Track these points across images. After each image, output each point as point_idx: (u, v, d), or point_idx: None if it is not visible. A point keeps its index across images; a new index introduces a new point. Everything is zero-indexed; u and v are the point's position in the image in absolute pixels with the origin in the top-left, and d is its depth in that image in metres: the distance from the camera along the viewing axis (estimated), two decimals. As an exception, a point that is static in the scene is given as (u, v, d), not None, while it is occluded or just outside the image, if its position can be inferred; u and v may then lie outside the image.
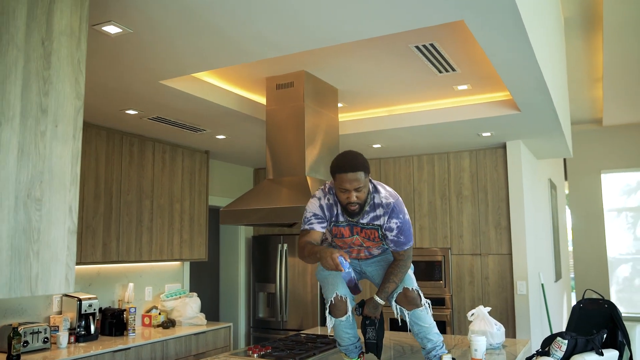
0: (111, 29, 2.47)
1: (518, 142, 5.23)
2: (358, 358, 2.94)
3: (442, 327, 5.42)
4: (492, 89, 4.12)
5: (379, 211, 2.62)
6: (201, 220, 5.34)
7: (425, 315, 2.79)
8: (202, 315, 4.93)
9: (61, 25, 1.60)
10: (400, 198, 2.68)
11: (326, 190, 2.72)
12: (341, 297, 2.78)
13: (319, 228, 2.68)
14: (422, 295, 2.80)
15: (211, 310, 6.30)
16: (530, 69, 3.15)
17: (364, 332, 2.91)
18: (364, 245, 2.78)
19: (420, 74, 3.74)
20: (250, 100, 4.11)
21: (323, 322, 5.94)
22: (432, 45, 3.20)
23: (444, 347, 2.85)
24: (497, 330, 3.54)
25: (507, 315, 5.17)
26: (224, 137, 4.86)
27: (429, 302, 2.84)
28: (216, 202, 5.90)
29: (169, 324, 4.71)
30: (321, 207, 2.68)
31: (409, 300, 2.76)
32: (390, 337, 3.90)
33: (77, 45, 1.65)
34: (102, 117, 4.10)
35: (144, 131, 4.58)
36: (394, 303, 2.80)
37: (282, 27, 2.56)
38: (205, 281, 6.37)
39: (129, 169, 4.56)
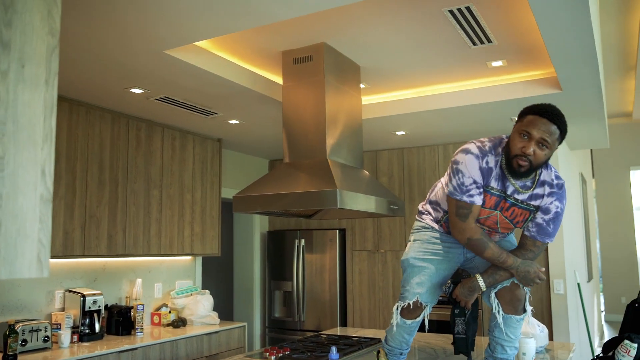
0: (106, -20, 2.16)
1: (554, 128, 4.84)
2: None
3: (471, 327, 5.04)
4: (529, 66, 3.75)
5: (544, 190, 2.16)
6: (213, 213, 5.02)
7: (519, 326, 2.35)
8: (215, 314, 4.62)
9: (29, -60, 1.28)
10: None
11: (486, 148, 2.18)
12: (421, 304, 2.34)
13: (479, 201, 2.14)
14: (528, 301, 2.34)
15: (225, 309, 5.99)
16: (583, 35, 2.78)
17: (452, 325, 2.46)
18: (497, 226, 2.27)
19: (452, 47, 3.38)
20: (265, 79, 3.79)
21: (343, 323, 5.60)
22: (467, 8, 2.84)
23: None
24: (541, 332, 3.17)
25: (542, 316, 4.78)
26: (238, 122, 4.54)
27: (533, 310, 2.39)
28: (229, 194, 5.58)
29: (180, 323, 4.40)
30: (481, 170, 2.13)
31: (512, 299, 2.28)
32: (420, 339, 3.54)
33: (51, -31, 1.33)
34: (106, 98, 3.80)
35: (152, 115, 4.27)
36: (493, 295, 2.31)
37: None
38: (219, 278, 6.06)
39: (136, 155, 4.26)
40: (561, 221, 2.24)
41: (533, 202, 2.18)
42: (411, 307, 2.36)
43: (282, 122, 3.41)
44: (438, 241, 2.40)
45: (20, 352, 3.28)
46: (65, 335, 3.56)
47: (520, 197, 2.17)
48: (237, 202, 3.20)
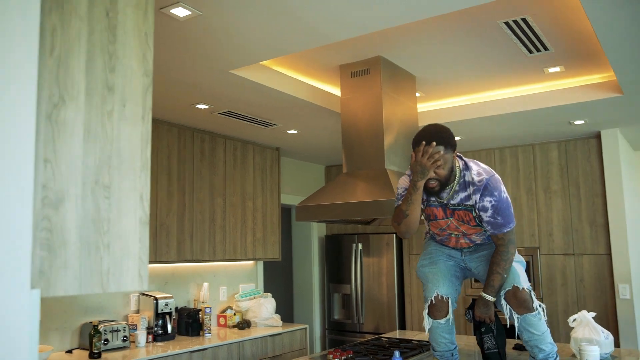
0: (180, 12, 2.35)
1: (615, 131, 4.75)
2: None
3: (531, 332, 5.01)
4: (588, 71, 3.72)
5: (469, 189, 2.38)
6: (274, 219, 5.21)
7: (538, 321, 2.46)
8: (278, 317, 4.80)
9: (127, -6, 1.46)
10: (496, 175, 2.41)
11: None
12: (442, 297, 2.55)
13: None
14: (534, 297, 2.49)
15: (286, 311, 6.17)
16: (642, 40, 2.77)
17: (481, 343, 2.63)
18: (461, 230, 2.53)
19: (508, 56, 3.41)
20: (323, 91, 3.93)
21: (402, 326, 5.67)
22: (524, 20, 2.88)
23: (558, 358, 2.53)
24: (605, 338, 3.15)
25: (607, 321, 4.70)
26: (296, 132, 4.71)
27: (544, 306, 2.52)
28: (287, 200, 5.77)
29: (244, 324, 4.61)
30: None
31: (519, 302, 2.45)
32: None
33: (144, 18, 1.50)
34: (173, 113, 4.04)
35: (215, 127, 4.50)
36: (503, 302, 2.49)
37: (358, 5, 2.35)
38: (279, 281, 6.25)
39: (201, 166, 4.50)
40: (507, 208, 2.38)
41: (467, 202, 2.41)
42: (434, 303, 2.55)
43: (341, 134, 3.54)
44: (438, 245, 2.74)
45: (103, 350, 3.56)
46: (142, 335, 3.82)
47: (453, 201, 2.43)
48: (299, 212, 3.35)
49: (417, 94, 4.12)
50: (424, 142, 2.25)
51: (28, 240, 1.14)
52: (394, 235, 5.71)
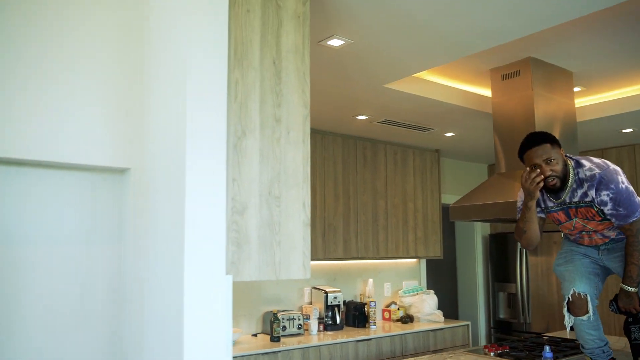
0: (335, 42, 2.72)
1: None
2: None
3: None
4: None
5: (585, 186, 2.44)
6: (435, 218, 5.40)
7: None
8: (440, 313, 4.98)
9: (288, 44, 1.84)
10: (611, 167, 2.43)
11: None
12: (579, 294, 2.59)
13: None
14: None
15: (450, 308, 6.31)
16: None
17: (628, 333, 2.62)
18: (589, 227, 2.57)
19: (676, 42, 3.21)
20: (475, 95, 4.04)
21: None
22: (686, 6, 2.74)
23: None
24: None
25: None
26: (453, 134, 4.85)
27: None
28: (449, 200, 5.90)
29: (407, 319, 4.87)
30: None
31: None
32: None
33: (302, 60, 1.87)
34: (337, 125, 4.47)
35: (375, 135, 4.84)
36: None
37: (499, 14, 2.49)
38: (443, 279, 6.40)
39: (364, 171, 4.87)
40: (628, 197, 2.37)
41: (586, 199, 2.45)
42: (572, 301, 2.58)
43: (494, 135, 3.63)
44: (573, 244, 2.80)
45: (282, 336, 4.10)
46: (314, 324, 4.30)
47: (574, 199, 2.49)
48: (453, 211, 3.53)
49: (577, 89, 4.02)
50: (527, 169, 2.42)
51: (223, 239, 1.56)
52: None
